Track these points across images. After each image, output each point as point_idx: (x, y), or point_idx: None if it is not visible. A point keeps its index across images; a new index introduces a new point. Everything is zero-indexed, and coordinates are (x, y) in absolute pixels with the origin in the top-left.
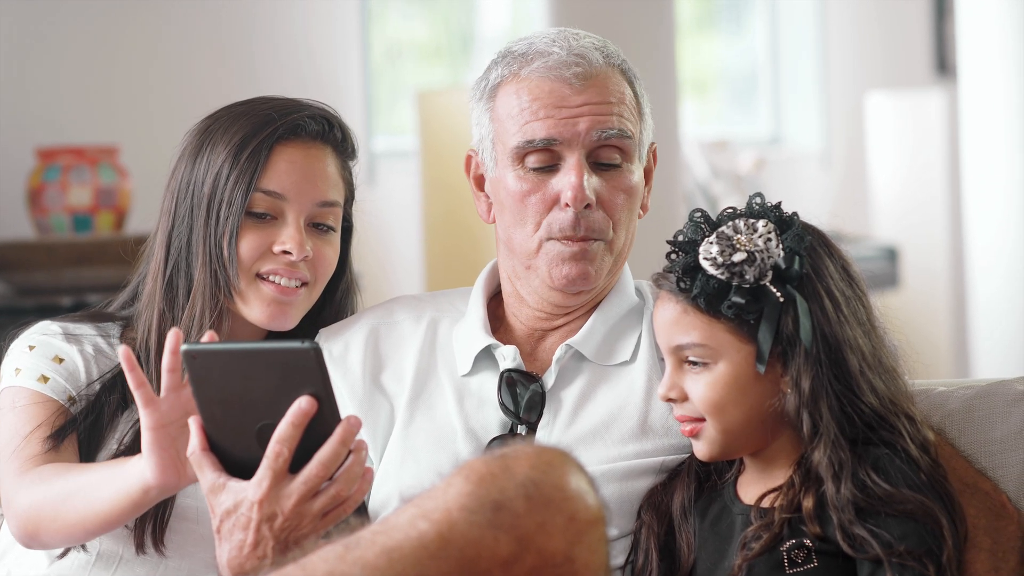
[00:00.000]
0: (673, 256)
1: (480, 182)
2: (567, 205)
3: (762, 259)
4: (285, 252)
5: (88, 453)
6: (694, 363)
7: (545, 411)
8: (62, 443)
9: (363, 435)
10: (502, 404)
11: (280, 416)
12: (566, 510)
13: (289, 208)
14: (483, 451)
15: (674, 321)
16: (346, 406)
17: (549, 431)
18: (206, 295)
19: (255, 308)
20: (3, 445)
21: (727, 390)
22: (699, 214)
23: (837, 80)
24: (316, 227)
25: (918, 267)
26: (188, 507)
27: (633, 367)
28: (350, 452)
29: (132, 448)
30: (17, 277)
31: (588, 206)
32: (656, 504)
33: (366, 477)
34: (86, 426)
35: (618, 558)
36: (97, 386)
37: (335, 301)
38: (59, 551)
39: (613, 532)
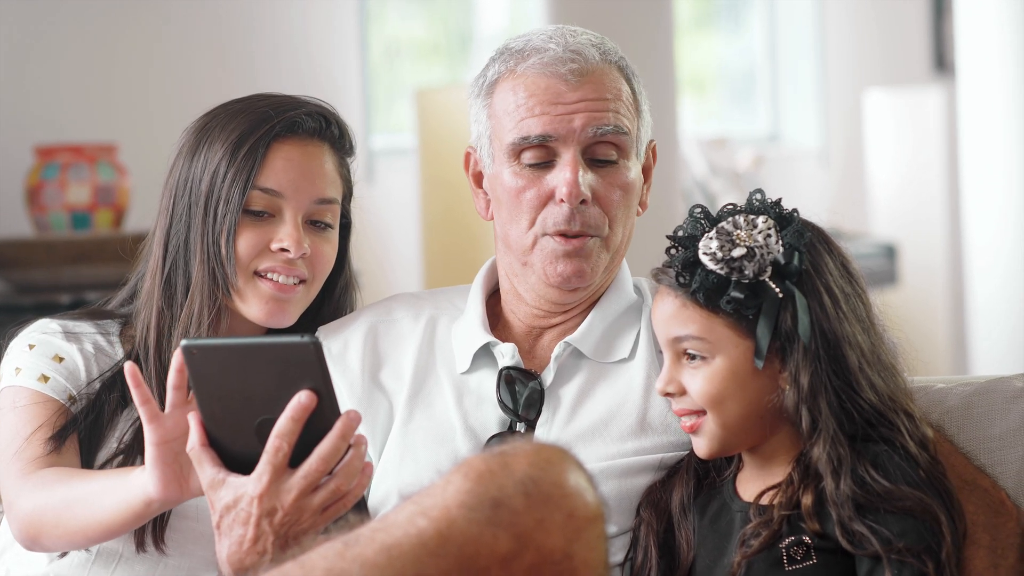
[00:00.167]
0: (673, 251)
1: (479, 179)
2: (562, 201)
3: (761, 255)
4: (283, 250)
5: (88, 451)
6: (692, 357)
7: (544, 408)
8: (63, 444)
9: (362, 432)
10: (501, 402)
11: (279, 411)
12: (565, 507)
13: (287, 206)
14: (482, 448)
15: (673, 315)
16: (345, 404)
17: (548, 428)
18: (204, 293)
19: (253, 306)
20: (4, 446)
21: (724, 384)
22: (699, 210)
23: (835, 78)
24: (314, 224)
25: (917, 264)
26: (188, 505)
27: (632, 364)
28: (350, 447)
29: (132, 446)
30: (16, 275)
31: (583, 202)
32: (655, 501)
33: (366, 471)
34: (86, 425)
35: (617, 555)
36: (97, 384)
37: (334, 298)
38: None
39: (612, 529)
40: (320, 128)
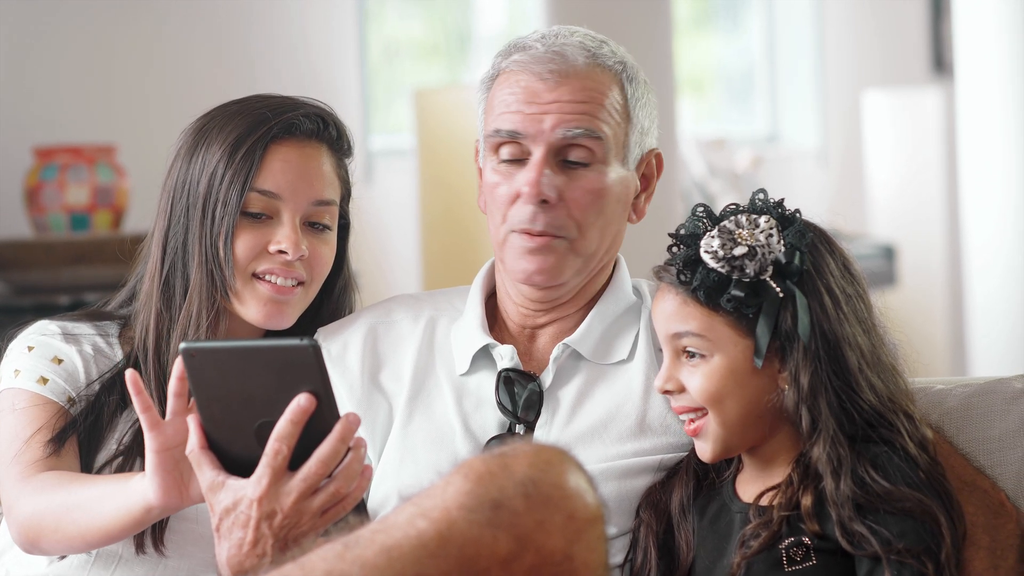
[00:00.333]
0: (675, 249)
1: (481, 172)
2: (525, 199)
3: (763, 254)
4: (281, 252)
5: (88, 453)
6: (691, 355)
7: (543, 410)
8: (63, 446)
9: (362, 434)
10: (500, 403)
11: (279, 414)
12: (565, 508)
13: (284, 207)
14: (481, 450)
15: (673, 312)
16: (345, 405)
17: (547, 430)
18: (203, 295)
19: (252, 308)
20: (4, 449)
21: (723, 382)
22: (702, 209)
23: (834, 78)
24: (312, 226)
25: (915, 265)
26: (188, 507)
27: (631, 366)
28: (349, 449)
29: (131, 448)
30: (15, 276)
31: (546, 202)
32: (655, 502)
33: (365, 474)
34: (86, 427)
35: (617, 556)
36: (96, 386)
37: (333, 299)
38: None
39: (612, 531)
40: (318, 129)
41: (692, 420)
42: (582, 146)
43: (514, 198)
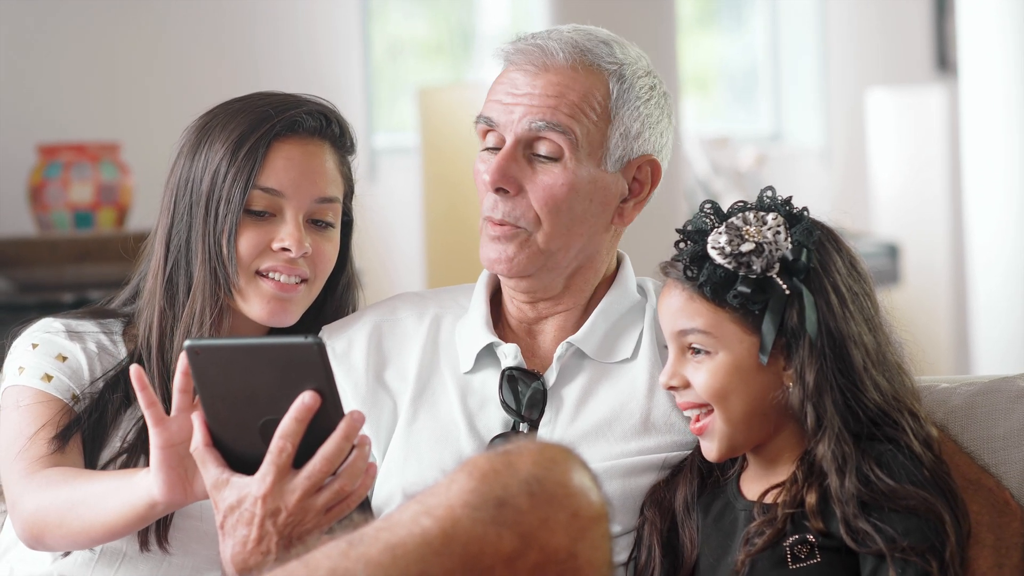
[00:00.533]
0: (682, 245)
1: None
2: (487, 186)
3: (770, 251)
4: (284, 249)
5: (92, 450)
6: (697, 351)
7: (547, 409)
8: (67, 443)
9: (366, 432)
10: (503, 402)
11: (283, 411)
12: (569, 506)
13: (288, 205)
14: (486, 448)
15: (680, 308)
16: (349, 403)
17: (551, 429)
18: (206, 292)
19: (255, 305)
20: (7, 445)
21: (728, 378)
22: (709, 205)
23: (838, 77)
24: (315, 223)
25: (919, 263)
26: (192, 504)
27: (634, 364)
28: (353, 447)
29: (135, 445)
30: (19, 273)
31: (506, 192)
32: (659, 500)
33: (369, 472)
34: (90, 424)
35: (621, 555)
36: (100, 384)
37: (336, 296)
38: None
39: (616, 529)
40: (320, 127)
41: (698, 418)
42: (549, 140)
43: (487, 185)
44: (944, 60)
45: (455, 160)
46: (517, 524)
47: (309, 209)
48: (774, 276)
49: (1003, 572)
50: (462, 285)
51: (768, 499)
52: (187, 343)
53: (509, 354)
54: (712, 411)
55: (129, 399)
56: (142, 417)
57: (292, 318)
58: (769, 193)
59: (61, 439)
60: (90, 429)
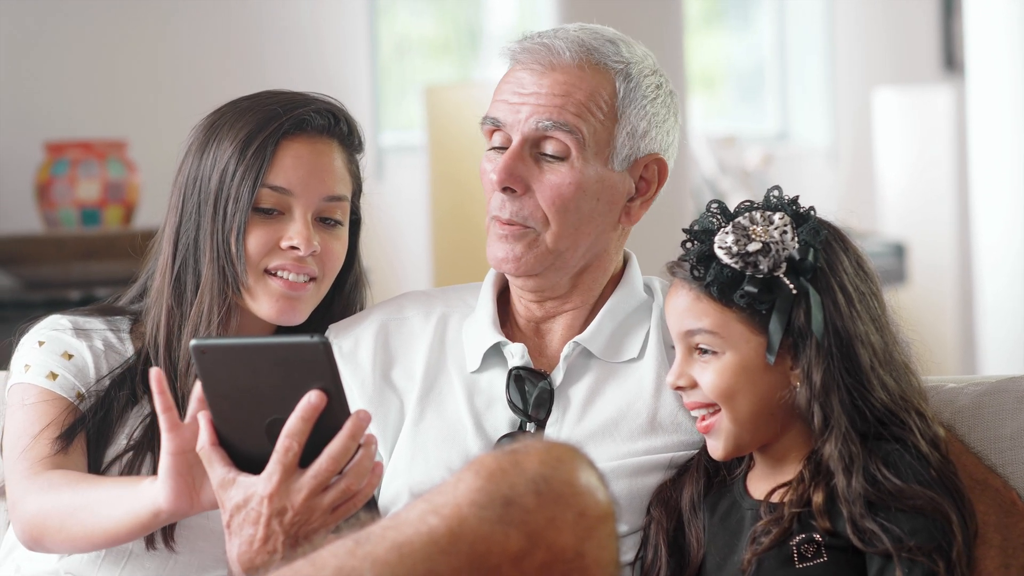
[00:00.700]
0: (688, 245)
1: None
2: (494, 185)
3: (777, 250)
4: (293, 248)
5: (97, 448)
6: (704, 351)
7: (554, 408)
8: (71, 444)
9: (373, 431)
10: (510, 402)
11: (290, 411)
12: (576, 505)
13: (296, 203)
14: (493, 448)
15: (686, 308)
16: (356, 402)
17: (558, 428)
18: (214, 291)
19: (263, 304)
20: (12, 444)
21: (735, 378)
22: (716, 205)
23: (845, 76)
24: (323, 222)
25: (925, 263)
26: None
27: (641, 364)
28: (360, 446)
29: (141, 443)
30: (25, 271)
31: (514, 191)
32: (665, 500)
33: (376, 471)
34: (95, 422)
35: (628, 554)
36: (107, 382)
37: (344, 295)
38: None
39: (623, 528)
40: (329, 125)
41: (704, 417)
42: (556, 139)
43: (494, 185)
44: (951, 60)
45: (462, 158)
46: (524, 523)
47: (318, 207)
48: (781, 276)
49: (1010, 572)
50: (469, 284)
51: (775, 498)
52: (193, 342)
53: (516, 354)
54: (719, 411)
55: (136, 397)
56: (149, 415)
57: (300, 317)
58: (776, 192)
59: (65, 439)
60: (95, 427)
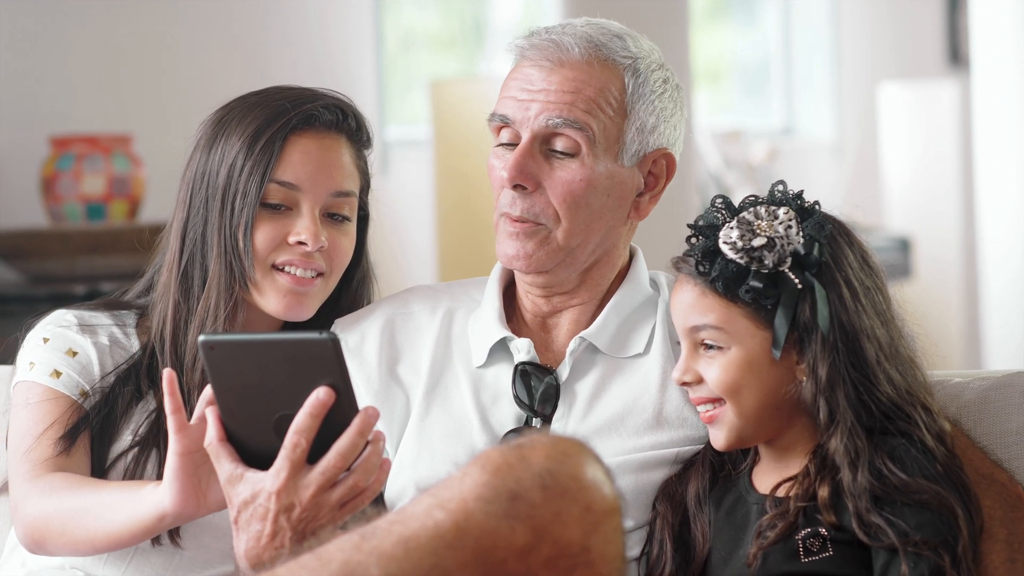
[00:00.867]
0: (693, 240)
1: None
2: (505, 182)
3: (782, 245)
4: (300, 243)
5: (101, 444)
6: (709, 346)
7: (560, 403)
8: (74, 444)
9: (379, 426)
10: (516, 397)
11: (298, 407)
12: (582, 500)
13: (304, 199)
14: (499, 443)
15: (692, 303)
16: (362, 397)
17: (564, 423)
18: (221, 286)
19: (271, 299)
20: (15, 443)
21: (741, 373)
22: (720, 200)
23: (850, 71)
24: (331, 217)
25: (930, 258)
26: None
27: (647, 359)
28: (368, 443)
29: (147, 440)
30: (31, 265)
31: (525, 188)
32: (671, 494)
33: (384, 468)
34: (99, 419)
35: (633, 549)
36: (112, 378)
37: (352, 290)
38: None
39: (629, 524)
40: (337, 121)
41: (709, 410)
42: (566, 136)
43: (503, 182)
44: (956, 54)
45: (467, 153)
46: (530, 518)
47: (325, 203)
48: (786, 270)
49: (1016, 567)
50: (475, 278)
51: (780, 492)
52: (201, 337)
53: (522, 349)
54: (725, 405)
55: (141, 392)
56: (154, 411)
57: (308, 312)
58: (781, 187)
59: (68, 439)
60: (100, 423)
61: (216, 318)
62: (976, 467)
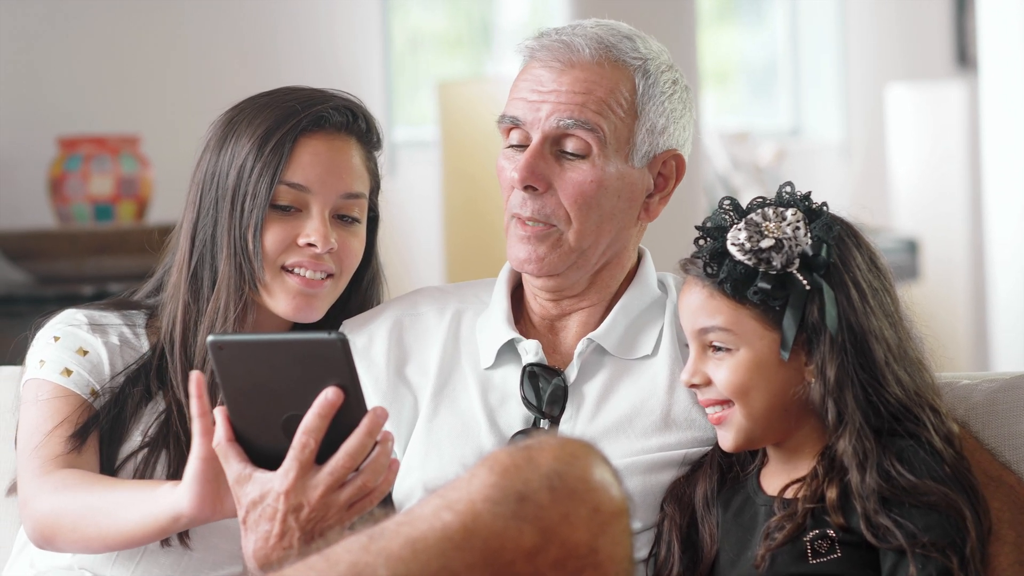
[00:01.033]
0: (701, 242)
1: None
2: (515, 184)
3: (790, 246)
4: (310, 245)
5: (111, 444)
6: (717, 348)
7: (568, 405)
8: (84, 442)
9: (387, 427)
10: (524, 398)
11: (306, 407)
12: (590, 501)
13: (314, 200)
14: (506, 444)
15: (700, 305)
16: (370, 398)
17: (572, 425)
18: (231, 287)
19: (280, 300)
20: (25, 440)
21: (750, 374)
22: (728, 201)
23: (857, 72)
24: (341, 219)
25: (938, 259)
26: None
27: (655, 360)
28: (376, 443)
29: (156, 440)
30: (39, 266)
31: (536, 190)
32: (679, 496)
33: (392, 468)
34: (109, 419)
35: (641, 551)
36: (121, 378)
37: (361, 292)
38: None
39: (636, 525)
40: (347, 122)
41: (717, 412)
42: (577, 137)
43: (514, 183)
44: (964, 55)
45: (475, 154)
46: (538, 519)
47: (335, 204)
48: (794, 272)
49: None
50: (483, 280)
51: (788, 494)
52: (210, 338)
53: (530, 350)
54: (733, 406)
55: (150, 393)
56: (163, 412)
57: (317, 314)
58: (788, 188)
59: (78, 437)
60: (109, 424)
61: (226, 319)
62: (984, 469)
